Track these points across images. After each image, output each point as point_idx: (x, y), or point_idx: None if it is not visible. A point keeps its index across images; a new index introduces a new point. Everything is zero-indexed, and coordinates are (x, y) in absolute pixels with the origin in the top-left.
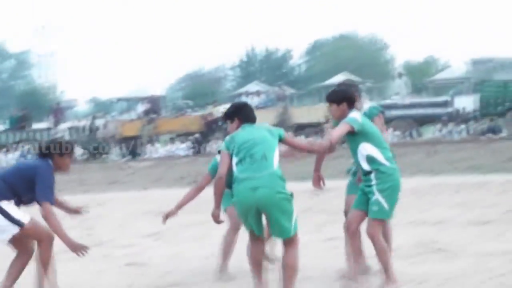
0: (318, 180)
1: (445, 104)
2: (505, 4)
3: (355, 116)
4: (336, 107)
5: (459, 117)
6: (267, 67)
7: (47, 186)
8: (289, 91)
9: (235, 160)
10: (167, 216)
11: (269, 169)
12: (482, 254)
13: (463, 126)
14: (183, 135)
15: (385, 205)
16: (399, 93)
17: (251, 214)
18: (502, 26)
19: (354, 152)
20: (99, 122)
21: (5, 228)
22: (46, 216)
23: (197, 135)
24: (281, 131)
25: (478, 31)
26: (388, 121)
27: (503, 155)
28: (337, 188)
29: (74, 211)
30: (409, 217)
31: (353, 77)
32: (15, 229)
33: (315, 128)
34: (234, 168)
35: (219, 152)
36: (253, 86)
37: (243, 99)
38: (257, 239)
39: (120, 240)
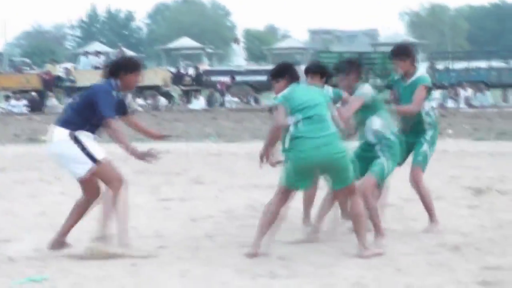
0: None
1: None
2: None
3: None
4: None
5: None
6: (109, 28)
7: (106, 103)
8: (130, 53)
9: (292, 120)
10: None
11: (328, 129)
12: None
13: None
14: (20, 93)
15: (386, 169)
16: (234, 60)
17: (310, 171)
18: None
19: (363, 123)
20: None
21: (81, 161)
22: (111, 132)
23: (34, 93)
24: (328, 94)
25: (318, 3)
26: (227, 88)
27: None
28: (174, 150)
29: (157, 136)
30: (242, 181)
31: (194, 42)
32: (89, 164)
33: (154, 91)
34: (292, 128)
35: (270, 110)
36: (93, 47)
37: (83, 59)
38: (289, 193)
39: None
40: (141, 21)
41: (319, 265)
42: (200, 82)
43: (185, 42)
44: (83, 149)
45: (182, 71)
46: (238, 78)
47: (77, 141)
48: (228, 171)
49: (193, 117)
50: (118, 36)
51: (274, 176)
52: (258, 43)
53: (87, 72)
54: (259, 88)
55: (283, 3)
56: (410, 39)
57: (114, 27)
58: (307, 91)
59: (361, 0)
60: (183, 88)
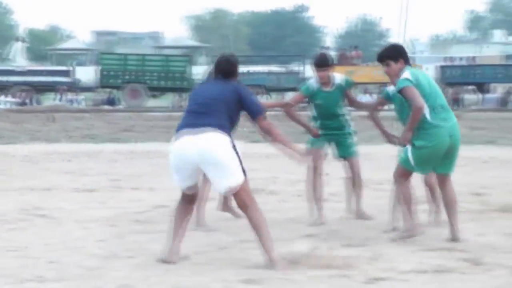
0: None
1: (65, 73)
2: None
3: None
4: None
5: (79, 87)
6: None
7: (256, 101)
8: None
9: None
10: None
11: (454, 117)
12: (85, 220)
13: (82, 96)
14: None
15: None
16: (14, 59)
17: (440, 156)
18: (126, 1)
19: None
20: None
21: (236, 172)
22: (268, 128)
23: None
24: None
25: (102, 4)
26: (7, 87)
27: (118, 126)
28: None
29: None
30: (17, 183)
31: None
32: (242, 178)
33: None
34: (427, 116)
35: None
36: None
37: None
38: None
39: None
40: None
41: (89, 268)
42: None
43: None
44: (239, 159)
45: None
46: (19, 78)
47: (235, 149)
48: (3, 174)
49: None
50: None
51: (51, 179)
52: (41, 43)
53: None
54: (40, 88)
55: (66, 3)
56: (194, 42)
57: None
58: (424, 76)
59: (145, 3)
60: None
